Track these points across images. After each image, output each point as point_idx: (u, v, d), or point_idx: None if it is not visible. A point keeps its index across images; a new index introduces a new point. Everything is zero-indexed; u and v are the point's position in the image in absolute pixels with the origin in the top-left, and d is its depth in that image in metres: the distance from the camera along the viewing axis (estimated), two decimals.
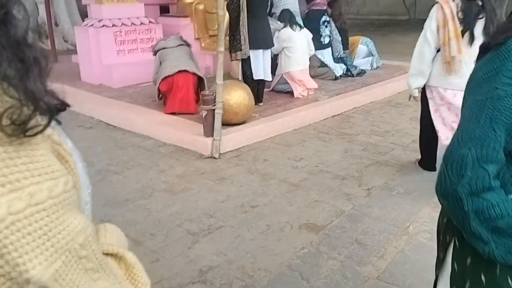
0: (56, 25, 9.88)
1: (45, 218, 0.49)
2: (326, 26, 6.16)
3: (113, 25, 5.94)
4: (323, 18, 6.11)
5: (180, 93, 4.56)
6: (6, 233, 0.46)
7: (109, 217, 2.87)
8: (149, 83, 5.83)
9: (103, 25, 5.88)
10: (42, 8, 9.50)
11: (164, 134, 4.27)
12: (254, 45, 4.64)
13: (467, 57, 2.87)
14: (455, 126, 3.29)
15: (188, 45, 4.99)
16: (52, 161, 0.52)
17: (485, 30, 2.83)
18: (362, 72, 6.41)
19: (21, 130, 0.48)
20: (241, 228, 2.73)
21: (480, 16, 2.86)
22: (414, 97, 3.26)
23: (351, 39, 6.83)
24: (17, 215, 0.47)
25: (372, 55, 6.82)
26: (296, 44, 5.18)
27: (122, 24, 6.02)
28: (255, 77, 4.75)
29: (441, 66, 2.98)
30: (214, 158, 3.82)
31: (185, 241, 2.60)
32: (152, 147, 4.13)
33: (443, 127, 3.13)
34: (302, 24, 5.42)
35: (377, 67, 6.80)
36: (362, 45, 6.76)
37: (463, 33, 2.88)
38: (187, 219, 2.84)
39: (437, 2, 2.93)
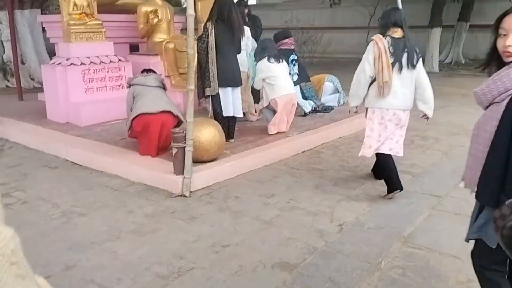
0: (23, 63, 9.72)
1: None
2: (294, 65, 6.32)
3: (82, 63, 5.90)
4: (292, 57, 6.28)
5: (158, 136, 4.32)
6: None
7: (74, 261, 2.74)
8: (118, 120, 5.76)
9: (71, 63, 5.83)
10: (8, 46, 9.37)
11: (133, 173, 4.18)
12: (222, 83, 4.68)
13: (399, 81, 3.58)
14: (387, 141, 3.56)
15: (165, 89, 4.72)
16: None
17: (409, 60, 3.58)
18: (329, 108, 6.56)
19: None
20: (212, 270, 2.65)
21: (406, 50, 3.58)
22: (351, 111, 4.00)
23: (317, 77, 7.02)
24: None
25: (339, 91, 7.01)
26: (276, 72, 5.18)
27: (91, 62, 5.98)
28: (225, 114, 4.78)
29: (378, 90, 3.59)
30: (185, 196, 3.75)
31: (154, 285, 2.50)
32: (120, 186, 4.02)
33: (371, 139, 3.75)
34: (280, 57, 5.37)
35: (343, 103, 6.98)
36: (328, 82, 6.95)
37: (394, 63, 3.56)
38: (156, 262, 2.74)
39: (372, 40, 3.62)
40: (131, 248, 2.91)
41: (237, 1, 6.40)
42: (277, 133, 5.29)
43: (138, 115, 4.30)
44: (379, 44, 3.50)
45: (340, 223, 3.27)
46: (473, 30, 13.60)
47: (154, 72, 4.84)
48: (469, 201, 3.44)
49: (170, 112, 4.40)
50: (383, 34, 3.59)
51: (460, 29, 13.22)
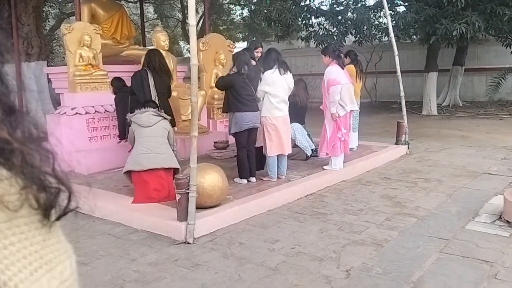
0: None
1: None
2: None
3: (87, 112, 6.02)
4: None
5: (152, 189, 4.44)
6: None
7: None
8: (121, 168, 5.78)
9: (76, 113, 5.95)
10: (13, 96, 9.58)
11: (136, 220, 4.15)
12: None
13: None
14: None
15: (165, 118, 4.77)
16: (66, 241, 0.59)
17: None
18: None
19: (52, 214, 0.54)
20: None
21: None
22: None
23: None
24: None
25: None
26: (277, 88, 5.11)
27: (96, 111, 6.11)
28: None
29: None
30: (188, 243, 3.70)
31: None
32: (123, 234, 3.98)
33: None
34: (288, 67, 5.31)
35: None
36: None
37: None
38: None
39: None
40: None
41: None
42: (278, 179, 5.27)
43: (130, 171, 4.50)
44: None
45: (347, 268, 3.21)
46: (468, 74, 13.93)
47: (153, 101, 5.01)
48: (477, 244, 3.41)
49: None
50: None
51: (455, 73, 13.53)
